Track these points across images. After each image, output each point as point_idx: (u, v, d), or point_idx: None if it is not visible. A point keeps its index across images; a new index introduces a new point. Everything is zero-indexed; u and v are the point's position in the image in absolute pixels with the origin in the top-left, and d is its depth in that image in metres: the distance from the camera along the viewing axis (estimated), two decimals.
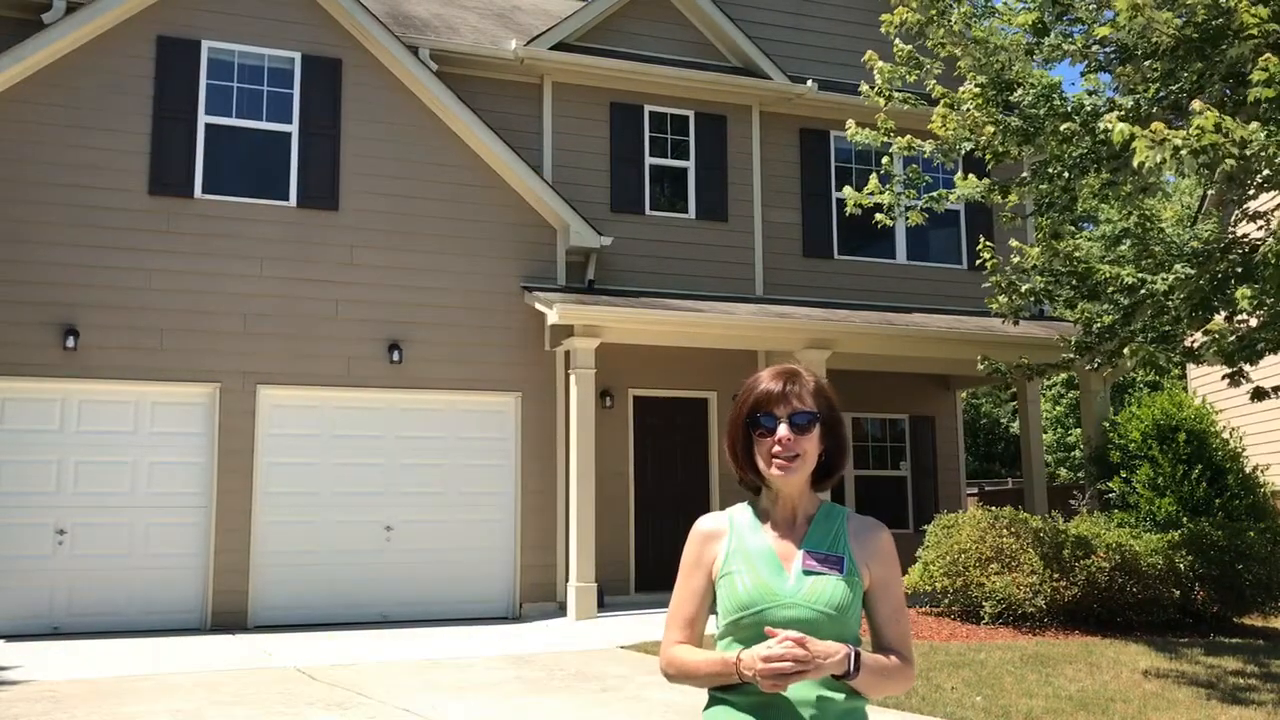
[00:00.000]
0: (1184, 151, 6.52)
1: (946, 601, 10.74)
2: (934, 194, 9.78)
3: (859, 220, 13.41)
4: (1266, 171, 7.24)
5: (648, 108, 14.27)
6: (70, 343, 11.02)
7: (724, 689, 2.28)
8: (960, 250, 15.73)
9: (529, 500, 12.50)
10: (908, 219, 10.06)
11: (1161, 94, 8.20)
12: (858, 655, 2.20)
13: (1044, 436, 27.69)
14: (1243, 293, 7.94)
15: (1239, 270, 8.73)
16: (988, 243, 10.48)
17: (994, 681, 7.99)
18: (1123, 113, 7.80)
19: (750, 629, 2.25)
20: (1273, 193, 9.85)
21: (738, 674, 2.19)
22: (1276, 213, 9.83)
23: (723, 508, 2.50)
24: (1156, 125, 6.61)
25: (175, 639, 10.48)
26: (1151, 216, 9.95)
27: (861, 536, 2.38)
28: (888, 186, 10.03)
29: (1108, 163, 8.42)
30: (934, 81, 9.42)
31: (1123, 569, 10.18)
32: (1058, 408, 30.54)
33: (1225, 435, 12.21)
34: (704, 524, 2.43)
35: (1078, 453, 26.04)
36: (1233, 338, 8.78)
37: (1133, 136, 6.66)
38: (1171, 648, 9.44)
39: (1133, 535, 10.74)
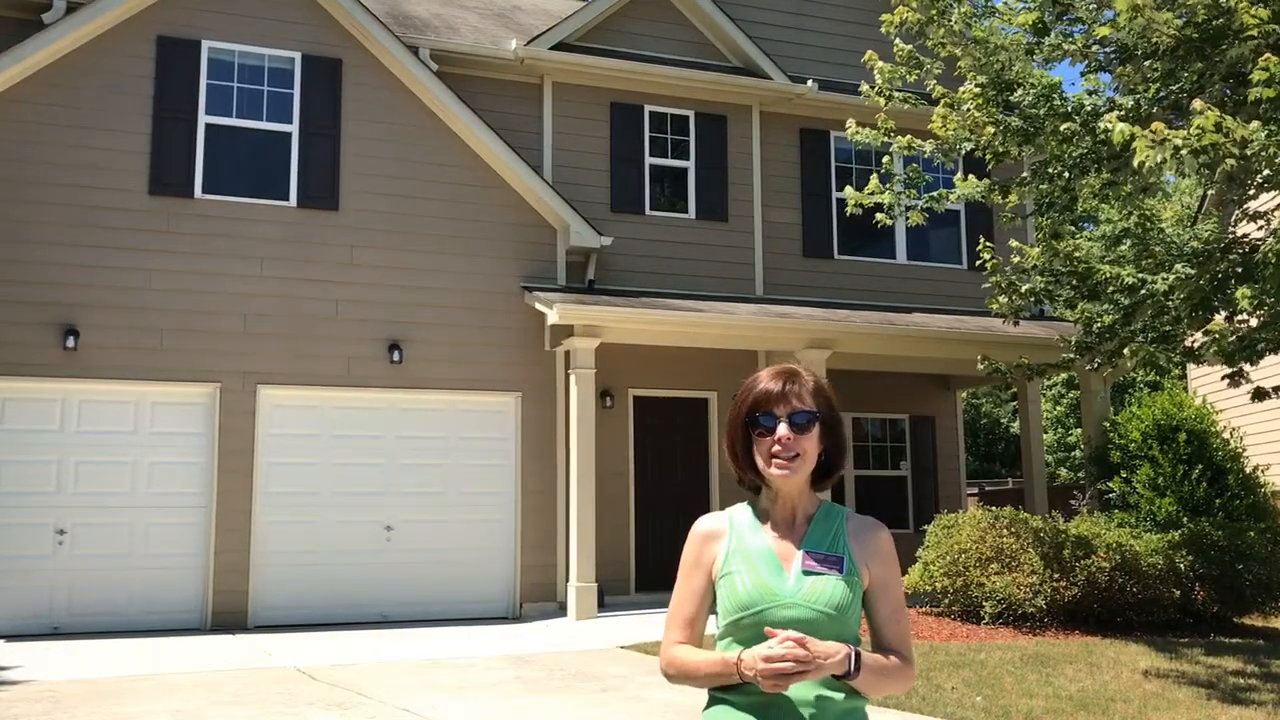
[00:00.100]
0: (1184, 151, 6.52)
1: (946, 601, 10.74)
2: (934, 194, 9.78)
3: (859, 220, 13.40)
4: (1267, 171, 7.24)
5: (648, 108, 14.27)
6: (70, 343, 11.02)
7: (724, 689, 2.28)
8: (960, 250, 15.73)
9: (529, 500, 12.49)
10: (908, 219, 10.06)
11: (1162, 94, 8.20)
12: (858, 655, 2.20)
13: (1044, 436, 27.68)
14: (1243, 293, 7.94)
15: (1239, 270, 8.73)
16: (988, 243, 10.48)
17: (994, 681, 7.99)
18: (1123, 113, 7.80)
19: (750, 629, 2.25)
20: (1273, 193, 9.85)
21: (738, 674, 2.19)
22: (1276, 213, 9.83)
23: (723, 508, 2.50)
24: (1157, 125, 6.60)
25: (175, 639, 10.48)
26: (1151, 216, 9.95)
27: (861, 536, 2.38)
28: (888, 186, 10.03)
29: (1108, 163, 8.42)
30: (934, 82, 9.42)
31: (1123, 569, 10.18)
32: (1058, 408, 30.54)
33: (1226, 435, 12.21)
34: (704, 524, 2.43)
35: (1078, 453, 26.03)
36: (1233, 338, 8.78)
37: (1133, 136, 6.66)
38: (1172, 648, 9.44)
39: (1133, 535, 10.74)
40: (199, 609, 11.28)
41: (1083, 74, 9.00)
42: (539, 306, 12.26)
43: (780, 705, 2.21)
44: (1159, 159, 6.57)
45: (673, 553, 2.71)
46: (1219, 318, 9.03)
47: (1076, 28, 8.93)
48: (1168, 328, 9.15)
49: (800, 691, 2.20)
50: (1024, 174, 9.71)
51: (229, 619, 11.23)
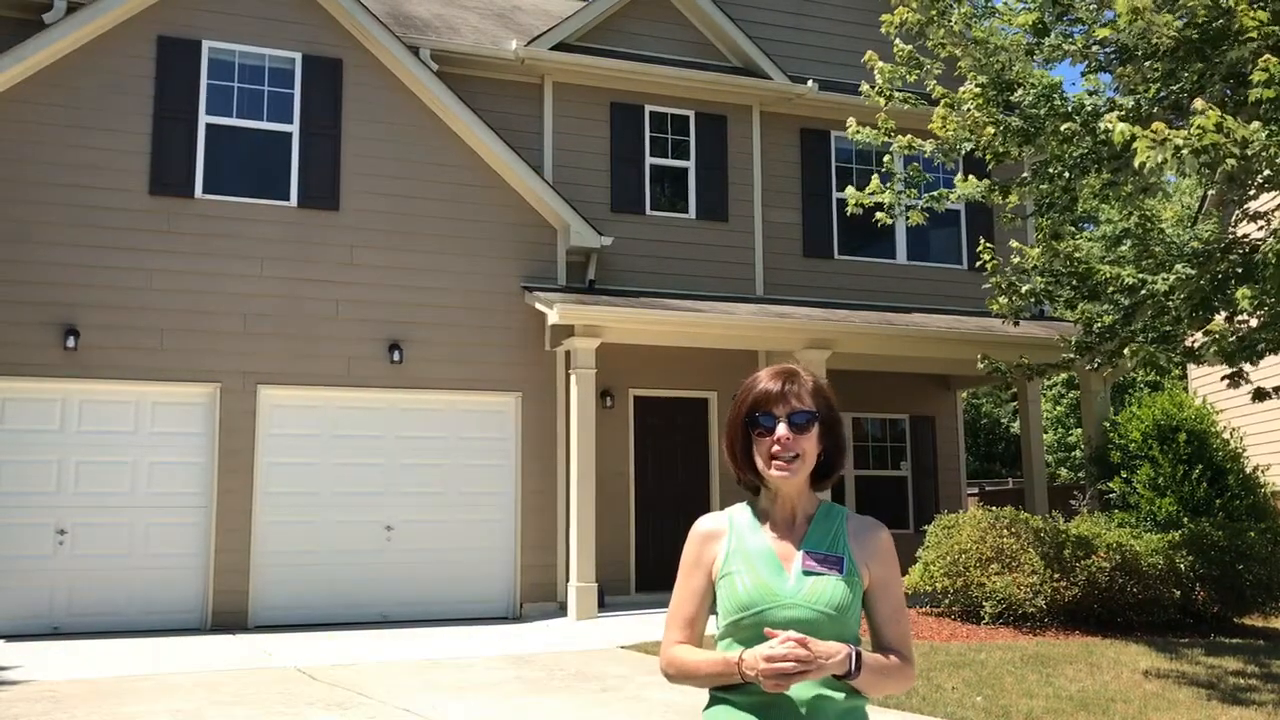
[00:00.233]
0: (1185, 151, 6.52)
1: (947, 602, 10.74)
2: (934, 193, 9.78)
3: (859, 220, 13.41)
4: (1267, 171, 7.23)
5: (648, 108, 14.27)
6: (71, 343, 11.02)
7: (725, 689, 2.28)
8: (960, 250, 15.72)
9: (529, 500, 12.50)
10: (908, 218, 10.06)
11: (1162, 94, 8.20)
12: (859, 655, 2.20)
13: (1044, 436, 27.68)
14: (1243, 293, 7.94)
15: (1239, 270, 8.73)
16: (988, 243, 10.49)
17: (994, 681, 7.99)
18: (1123, 113, 7.80)
19: (750, 629, 2.25)
20: (1273, 193, 9.85)
21: (739, 674, 2.19)
22: (1277, 213, 9.83)
23: (723, 508, 2.50)
24: (1158, 125, 6.60)
25: (175, 639, 10.49)
26: (1152, 217, 9.95)
27: (861, 536, 2.38)
28: (888, 185, 10.03)
29: (1108, 163, 8.42)
30: (934, 83, 9.41)
31: (1123, 569, 10.18)
32: (1058, 408, 30.54)
33: (1226, 435, 12.21)
34: (703, 524, 2.43)
35: (1078, 453, 26.03)
36: (1233, 338, 8.77)
37: (1134, 137, 6.66)
38: (1172, 648, 9.43)
39: (1133, 535, 10.74)
40: (199, 609, 11.28)
41: (1083, 74, 9.00)
42: (539, 306, 12.26)
43: (781, 705, 2.21)
44: (1160, 159, 6.56)
45: (673, 553, 2.71)
46: (1219, 318, 9.03)
47: (1077, 28, 8.93)
48: (1168, 328, 9.15)
49: (801, 691, 2.21)
50: (1024, 174, 9.71)
51: (229, 619, 11.23)
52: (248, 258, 11.83)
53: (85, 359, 11.12)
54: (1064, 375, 14.20)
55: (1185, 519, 11.16)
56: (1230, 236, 9.68)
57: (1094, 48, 8.64)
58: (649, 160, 14.20)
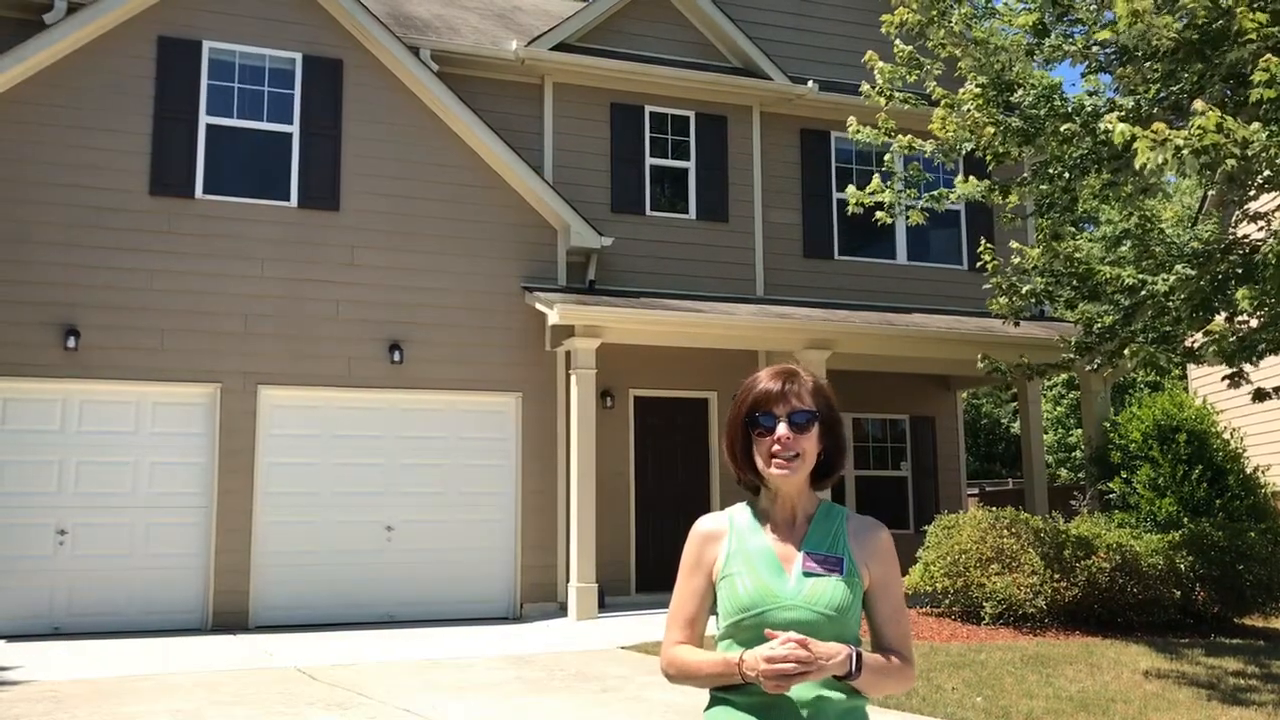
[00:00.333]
0: (1185, 151, 6.52)
1: (947, 602, 10.74)
2: (934, 193, 9.79)
3: (859, 221, 13.41)
4: (1267, 172, 7.24)
5: (648, 108, 14.28)
6: (71, 343, 11.02)
7: (726, 689, 2.29)
8: (961, 251, 15.73)
9: (529, 500, 12.50)
10: (908, 218, 10.07)
11: (1162, 95, 8.21)
12: (859, 656, 2.21)
13: (1045, 437, 27.69)
14: (1243, 293, 7.95)
15: (1239, 271, 8.73)
16: (988, 244, 10.49)
17: (995, 682, 8.00)
18: (1123, 113, 7.80)
19: (751, 630, 2.25)
20: (1273, 193, 9.86)
21: (740, 675, 2.20)
22: (1277, 213, 9.83)
23: (723, 508, 2.50)
24: (1158, 125, 6.60)
25: (176, 639, 10.49)
26: (1152, 217, 9.95)
27: (861, 536, 2.38)
28: (888, 185, 10.04)
29: (1108, 163, 8.42)
30: (934, 84, 9.42)
31: (1123, 569, 10.18)
32: (1058, 408, 30.54)
33: (1226, 436, 12.21)
34: (704, 524, 2.43)
35: (1078, 453, 26.03)
36: (1233, 338, 8.78)
37: (1134, 137, 6.66)
38: (1172, 648, 9.43)
39: (1133, 536, 10.74)
40: (200, 609, 11.28)
41: (1083, 75, 9.00)
42: (539, 307, 12.26)
43: (781, 706, 2.22)
44: (1160, 159, 6.57)
45: (673, 553, 2.71)
46: (1219, 318, 9.03)
47: (1077, 29, 8.93)
48: (1168, 328, 9.16)
49: (801, 692, 2.21)
50: (1024, 174, 9.71)
51: (230, 619, 11.23)
52: (248, 258, 11.84)
53: (86, 359, 11.12)
54: (1064, 376, 14.21)
55: (1185, 519, 11.16)
56: (1230, 237, 9.68)
57: (1094, 48, 8.64)
58: (649, 160, 14.20)
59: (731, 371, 13.53)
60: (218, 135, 11.97)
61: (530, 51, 13.47)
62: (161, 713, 7.10)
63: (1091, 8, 8.73)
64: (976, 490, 21.66)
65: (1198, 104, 6.68)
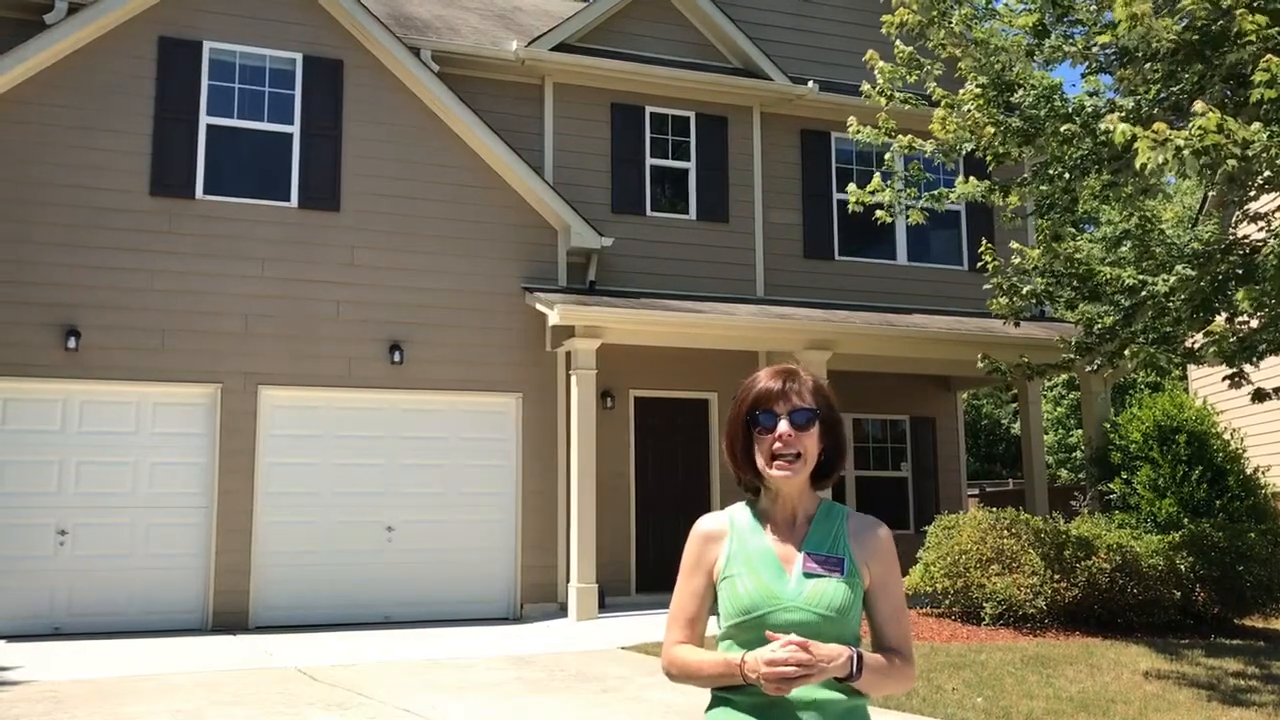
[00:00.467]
0: (1186, 152, 6.52)
1: (947, 603, 10.74)
2: (934, 193, 9.80)
3: (860, 221, 13.42)
4: (1268, 173, 7.24)
5: (649, 108, 14.28)
6: (72, 343, 11.03)
7: (727, 689, 2.29)
8: (961, 251, 15.73)
9: (530, 501, 12.50)
10: (908, 217, 10.07)
11: (1163, 95, 8.21)
12: (860, 657, 2.21)
13: (1045, 437, 27.70)
14: (1243, 294, 7.95)
15: (1239, 271, 8.73)
16: (989, 244, 10.50)
17: (995, 682, 8.00)
18: (1124, 114, 7.80)
19: (752, 632, 2.25)
20: (1273, 194, 9.86)
21: (742, 676, 2.20)
22: (1277, 214, 9.83)
23: (723, 508, 2.50)
24: (1159, 125, 6.61)
25: (176, 639, 10.49)
26: (1152, 218, 9.96)
27: (861, 536, 2.38)
28: (889, 184, 10.04)
29: (1109, 164, 8.42)
30: (934, 84, 9.42)
31: (1123, 570, 10.18)
32: (1059, 409, 30.54)
33: (1226, 436, 12.21)
34: (704, 524, 2.43)
35: (1079, 454, 26.04)
36: (1233, 339, 8.78)
37: (1134, 137, 6.67)
38: (1172, 649, 9.43)
39: (1133, 536, 10.74)
40: (200, 609, 11.28)
41: (1083, 75, 9.01)
42: (540, 307, 12.27)
43: (783, 706, 2.22)
44: (1161, 159, 6.57)
45: (673, 553, 2.71)
46: (1219, 319, 9.03)
47: (1077, 30, 8.94)
48: (1168, 329, 9.16)
49: (802, 692, 2.21)
50: (1024, 175, 9.71)
51: (230, 619, 11.23)
52: (249, 258, 11.84)
53: (86, 359, 11.12)
54: (1064, 376, 14.22)
55: (1185, 520, 11.16)
56: (1231, 237, 9.68)
57: (1094, 49, 8.64)
58: (649, 161, 14.20)
59: (732, 372, 13.52)
60: (218, 135, 11.97)
61: (530, 52, 13.47)
62: (162, 713, 7.10)
63: (1091, 9, 8.73)
64: (977, 491, 21.66)
65: (1198, 105, 6.69)
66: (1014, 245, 10.66)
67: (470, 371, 12.45)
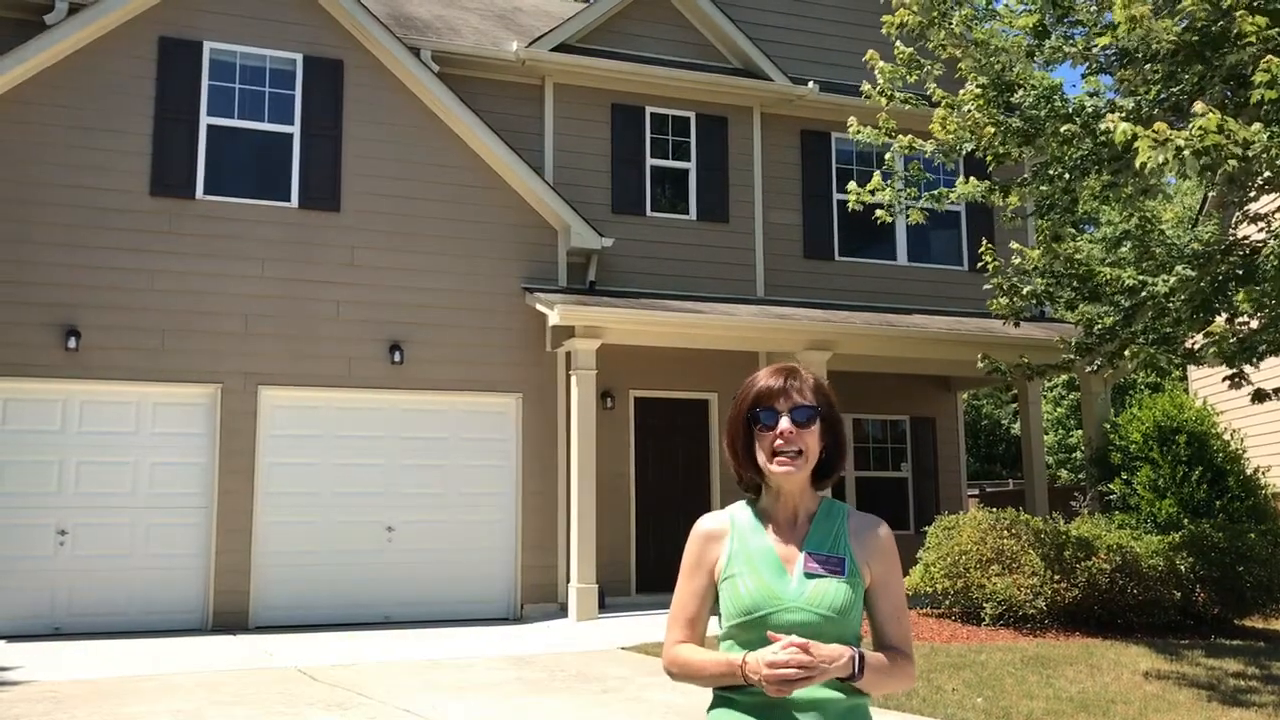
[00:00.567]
0: (1186, 152, 6.53)
1: (947, 603, 10.74)
2: (934, 193, 9.80)
3: (860, 221, 13.43)
4: (1268, 173, 7.24)
5: (649, 109, 14.28)
6: (72, 343, 11.03)
7: (729, 689, 2.29)
8: (961, 251, 15.73)
9: (530, 501, 12.50)
10: (908, 217, 10.07)
11: (1163, 96, 8.21)
12: (861, 657, 2.21)
13: (1045, 438, 27.70)
14: (1243, 295, 7.95)
15: (1240, 272, 8.74)
16: (989, 245, 10.50)
17: (995, 683, 8.00)
18: (1124, 114, 7.81)
19: (753, 632, 2.25)
20: (1273, 194, 9.86)
21: (743, 677, 2.20)
22: (1277, 214, 9.84)
23: (723, 508, 2.50)
24: (1159, 125, 6.61)
25: (176, 639, 10.49)
26: (1152, 218, 9.96)
27: (862, 535, 2.38)
28: (889, 183, 10.04)
29: (1109, 164, 8.43)
30: (934, 84, 9.43)
31: (1123, 571, 10.18)
32: (1059, 409, 30.55)
33: (1226, 437, 12.21)
34: (705, 524, 2.43)
35: (1079, 454, 26.03)
36: (1233, 340, 8.78)
37: (1135, 137, 6.67)
38: (1172, 649, 9.44)
39: (1133, 537, 10.74)
40: (200, 609, 11.28)
41: (1083, 76, 9.01)
42: (540, 307, 12.27)
43: (784, 706, 2.22)
44: (1161, 160, 6.57)
45: (674, 554, 2.71)
46: (1220, 320, 9.03)
47: (1077, 30, 8.94)
48: (1168, 329, 9.16)
49: (803, 692, 2.21)
50: (1024, 175, 9.72)
51: (230, 619, 11.23)
52: (249, 258, 11.84)
53: (87, 360, 11.12)
54: (1064, 376, 14.22)
55: (1185, 520, 11.16)
56: (1231, 238, 9.69)
57: (1094, 50, 8.65)
58: (650, 161, 14.21)
59: (732, 372, 13.52)
60: (218, 136, 11.97)
61: (531, 52, 13.47)
62: (162, 713, 7.10)
63: (1091, 10, 8.73)
64: (977, 491, 21.66)
65: (1198, 105, 6.69)
66: (1014, 245, 10.66)
67: (470, 372, 12.45)
